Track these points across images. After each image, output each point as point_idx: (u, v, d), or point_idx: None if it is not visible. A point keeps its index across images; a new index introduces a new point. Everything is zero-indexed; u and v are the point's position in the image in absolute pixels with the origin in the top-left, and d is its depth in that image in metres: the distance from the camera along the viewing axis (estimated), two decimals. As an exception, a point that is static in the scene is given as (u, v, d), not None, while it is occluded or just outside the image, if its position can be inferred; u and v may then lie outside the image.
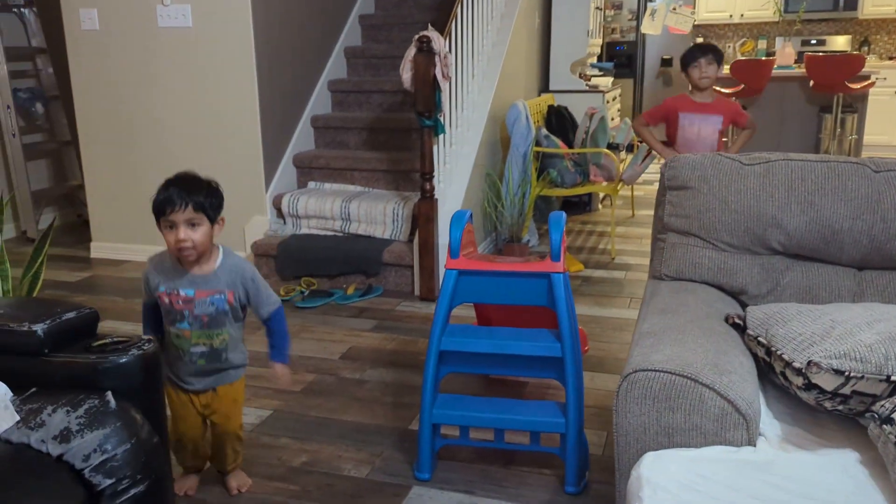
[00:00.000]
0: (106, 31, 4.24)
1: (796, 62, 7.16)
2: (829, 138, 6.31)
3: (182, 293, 1.79)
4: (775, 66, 6.54)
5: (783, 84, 6.44)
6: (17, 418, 1.45)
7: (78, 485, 1.40)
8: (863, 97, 6.34)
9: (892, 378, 1.27)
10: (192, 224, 1.72)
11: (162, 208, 1.72)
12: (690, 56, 3.58)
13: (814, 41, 8.36)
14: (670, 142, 3.80)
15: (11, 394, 1.51)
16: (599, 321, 3.40)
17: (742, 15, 8.40)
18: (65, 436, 1.43)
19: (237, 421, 2.00)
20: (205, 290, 1.79)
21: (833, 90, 6.04)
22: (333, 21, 4.94)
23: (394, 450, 2.34)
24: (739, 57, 8.61)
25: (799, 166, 1.85)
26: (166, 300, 1.80)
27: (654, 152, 4.70)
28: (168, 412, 1.93)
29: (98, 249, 4.56)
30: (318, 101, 4.71)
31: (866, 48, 8.29)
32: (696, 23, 8.36)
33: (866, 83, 6.07)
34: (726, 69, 6.50)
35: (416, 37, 3.47)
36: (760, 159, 1.90)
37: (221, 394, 1.93)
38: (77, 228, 5.15)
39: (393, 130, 4.48)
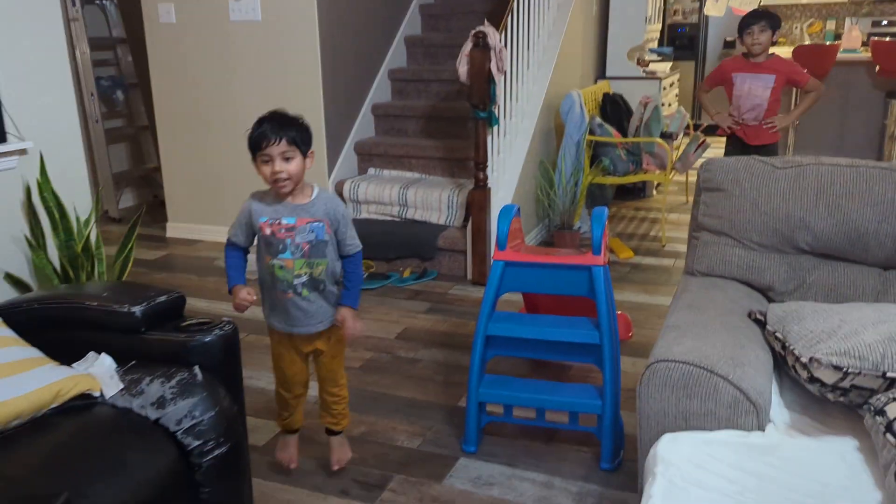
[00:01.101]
0: (182, 25, 4.51)
1: (863, 45, 7.00)
2: (894, 125, 6.18)
3: (284, 222, 1.92)
4: (841, 49, 6.43)
5: (848, 69, 6.33)
6: (122, 386, 1.71)
7: (172, 444, 1.64)
8: (932, 82, 6.19)
9: (888, 374, 1.40)
10: (286, 157, 1.86)
11: (258, 142, 1.86)
12: (745, 23, 3.67)
13: (885, 22, 8.11)
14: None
15: (116, 365, 1.76)
16: (645, 308, 3.53)
17: (810, -5, 8.21)
18: (161, 403, 1.67)
19: (341, 362, 2.13)
20: (305, 217, 1.93)
21: (899, 75, 5.92)
22: (394, 10, 5.12)
23: (443, 424, 2.54)
24: (807, 38, 8.44)
25: (828, 171, 1.95)
26: (268, 230, 1.93)
27: (707, 141, 4.77)
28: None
29: (174, 229, 4.89)
30: (379, 90, 4.91)
31: (941, 29, 8.00)
32: (761, 3, 8.21)
33: (935, 68, 5.93)
34: (789, 53, 6.43)
35: (473, 32, 3.61)
36: (792, 163, 2.01)
37: (326, 336, 2.07)
38: (153, 209, 5.50)
39: (449, 119, 4.65)
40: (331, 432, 2.25)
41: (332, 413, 2.22)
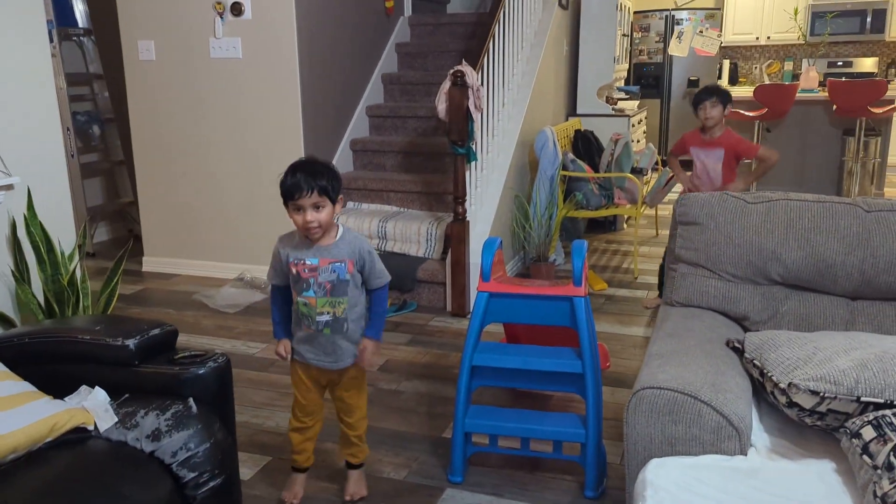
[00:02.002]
0: (162, 62, 4.56)
1: (820, 85, 7.29)
2: (852, 161, 6.43)
3: (308, 262, 2.00)
4: (799, 89, 6.69)
5: (807, 107, 6.59)
6: (116, 420, 1.72)
7: (167, 476, 1.65)
8: (886, 120, 6.46)
9: (862, 399, 1.48)
10: (317, 206, 1.93)
11: (291, 192, 1.92)
12: (698, 98, 3.84)
13: (840, 63, 8.48)
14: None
15: (109, 398, 1.77)
16: (621, 339, 3.61)
17: (768, 37, 8.55)
18: (156, 435, 1.69)
19: (361, 400, 2.19)
20: (327, 258, 2.00)
21: (856, 114, 6.17)
22: (372, 49, 5.23)
23: (428, 455, 2.57)
24: (766, 77, 8.76)
25: (797, 205, 2.05)
26: (294, 270, 2.01)
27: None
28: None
29: (150, 263, 4.88)
30: (357, 126, 4.99)
31: (893, 70, 8.38)
32: (722, 44, 8.53)
33: (889, 107, 6.19)
34: (750, 92, 6.67)
35: (451, 71, 3.72)
36: (763, 198, 2.11)
37: (347, 372, 2.13)
38: (128, 243, 5.46)
39: (427, 154, 4.74)
40: (350, 465, 2.31)
41: (349, 444, 2.27)
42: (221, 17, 4.34)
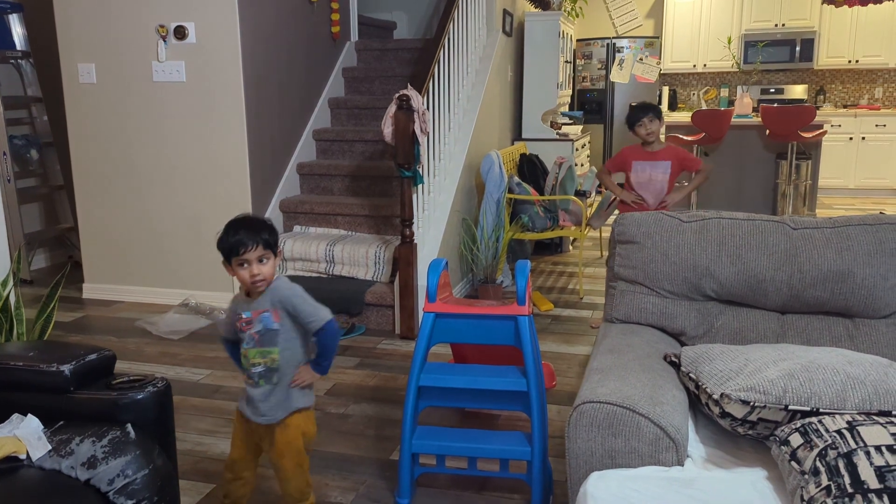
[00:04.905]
0: (103, 85, 4.49)
1: (754, 111, 7.58)
2: (785, 183, 6.68)
3: (244, 316, 1.98)
4: (734, 115, 6.94)
5: (742, 132, 6.83)
6: (50, 448, 1.67)
7: (103, 505, 1.61)
8: (816, 144, 6.74)
9: (789, 407, 1.54)
10: (261, 259, 1.92)
11: (235, 248, 1.91)
12: (635, 117, 3.96)
13: (772, 90, 8.83)
14: (627, 186, 4.14)
15: (43, 426, 1.72)
16: (567, 358, 3.66)
17: (705, 65, 8.87)
18: (92, 462, 1.64)
19: (290, 462, 2.05)
20: (256, 310, 1.98)
21: (787, 139, 6.42)
22: (318, 74, 5.24)
23: (376, 478, 2.56)
24: (703, 103, 9.07)
25: (728, 224, 2.14)
26: (236, 325, 2.01)
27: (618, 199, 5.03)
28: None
29: (90, 290, 4.75)
30: (304, 150, 4.98)
31: (822, 96, 8.77)
32: (661, 72, 8.81)
33: (818, 132, 6.47)
34: (688, 118, 6.90)
35: (397, 95, 3.75)
36: (696, 217, 2.19)
37: (277, 433, 2.04)
38: (65, 268, 5.32)
39: (374, 177, 4.76)
40: None
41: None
42: (164, 41, 4.30)
